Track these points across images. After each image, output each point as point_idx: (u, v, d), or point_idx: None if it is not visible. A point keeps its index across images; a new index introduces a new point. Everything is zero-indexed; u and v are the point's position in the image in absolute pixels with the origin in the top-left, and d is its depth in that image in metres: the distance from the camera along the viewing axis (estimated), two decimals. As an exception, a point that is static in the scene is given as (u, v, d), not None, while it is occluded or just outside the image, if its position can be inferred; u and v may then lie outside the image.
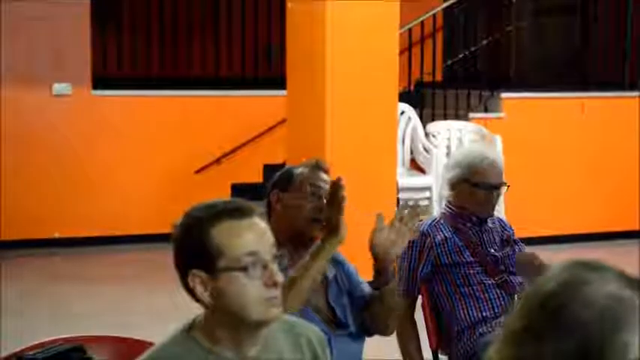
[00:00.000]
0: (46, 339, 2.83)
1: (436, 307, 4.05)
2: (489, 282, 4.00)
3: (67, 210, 8.89)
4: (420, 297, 4.08)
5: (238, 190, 8.97)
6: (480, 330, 3.95)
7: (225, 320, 2.23)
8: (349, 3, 7.03)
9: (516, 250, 4.10)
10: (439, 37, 10.06)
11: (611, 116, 9.36)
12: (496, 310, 3.98)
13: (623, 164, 9.32)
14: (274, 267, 2.22)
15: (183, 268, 2.24)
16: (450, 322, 4.01)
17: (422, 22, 9.30)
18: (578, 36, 10.34)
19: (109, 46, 9.38)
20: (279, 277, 2.22)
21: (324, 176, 3.39)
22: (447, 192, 4.11)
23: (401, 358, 4.02)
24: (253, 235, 2.22)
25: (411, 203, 3.22)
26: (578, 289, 1.44)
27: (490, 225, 4.10)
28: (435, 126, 8.75)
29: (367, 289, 3.40)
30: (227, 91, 9.37)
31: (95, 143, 8.96)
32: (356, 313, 3.35)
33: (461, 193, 4.04)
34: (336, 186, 3.10)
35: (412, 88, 9.58)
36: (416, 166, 8.73)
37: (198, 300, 2.23)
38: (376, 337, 3.48)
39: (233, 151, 9.27)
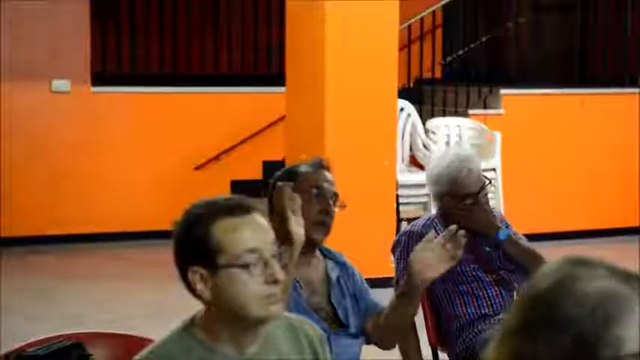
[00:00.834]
0: (43, 336, 2.83)
1: (435, 305, 4.05)
2: (486, 279, 4.00)
3: (65, 207, 8.88)
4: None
5: (238, 186, 8.97)
6: (479, 327, 3.95)
7: (225, 317, 2.22)
8: (349, 1, 7.03)
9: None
10: (438, 33, 10.05)
11: (610, 112, 9.35)
12: (495, 308, 3.98)
13: (623, 160, 9.31)
14: (275, 264, 2.22)
15: (184, 264, 2.24)
16: (449, 319, 4.01)
17: (421, 19, 9.30)
18: (577, 32, 10.33)
19: (108, 43, 9.36)
20: (280, 275, 2.22)
21: (329, 176, 3.34)
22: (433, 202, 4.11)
23: (401, 358, 4.02)
24: (254, 232, 2.22)
25: (454, 231, 3.09)
26: (570, 286, 1.44)
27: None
28: (434, 122, 8.75)
29: (374, 299, 3.36)
30: (226, 88, 9.37)
31: (94, 140, 8.95)
32: (358, 318, 3.33)
33: (447, 205, 4.03)
34: (279, 194, 3.06)
35: (411, 84, 9.59)
36: (415, 163, 8.73)
37: (198, 297, 2.23)
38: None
39: (233, 147, 9.27)
